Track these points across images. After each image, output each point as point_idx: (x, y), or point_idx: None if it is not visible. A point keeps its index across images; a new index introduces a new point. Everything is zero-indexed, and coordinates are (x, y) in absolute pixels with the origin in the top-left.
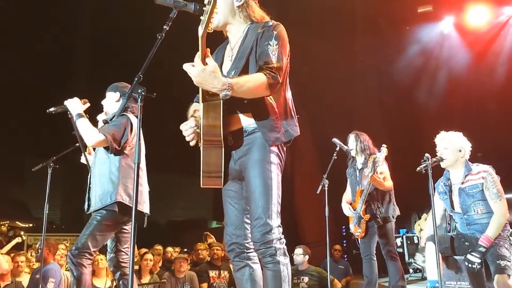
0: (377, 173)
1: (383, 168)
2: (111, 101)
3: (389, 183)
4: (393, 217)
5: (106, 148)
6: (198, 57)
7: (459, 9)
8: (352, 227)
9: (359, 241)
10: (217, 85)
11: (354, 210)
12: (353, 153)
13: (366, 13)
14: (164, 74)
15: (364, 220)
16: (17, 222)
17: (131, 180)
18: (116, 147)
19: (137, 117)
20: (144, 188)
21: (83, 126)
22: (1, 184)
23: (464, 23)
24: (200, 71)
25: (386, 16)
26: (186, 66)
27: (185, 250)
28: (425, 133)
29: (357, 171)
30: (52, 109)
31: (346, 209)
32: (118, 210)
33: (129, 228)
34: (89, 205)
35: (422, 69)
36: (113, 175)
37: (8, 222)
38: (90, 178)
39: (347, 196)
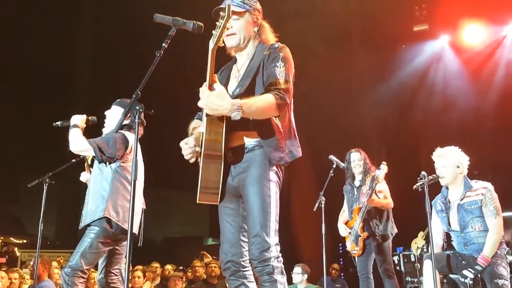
0: (375, 192)
1: (382, 187)
2: (116, 117)
3: (388, 201)
4: (391, 234)
5: (98, 162)
6: (205, 85)
7: (455, 28)
8: (349, 245)
9: (356, 259)
10: (226, 106)
11: (351, 228)
12: (356, 172)
13: (363, 31)
14: (163, 91)
15: (362, 238)
16: (11, 238)
17: (122, 196)
18: (101, 156)
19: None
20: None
21: (73, 134)
22: None
23: (460, 42)
24: (207, 96)
25: (382, 35)
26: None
27: (181, 268)
28: (422, 151)
29: (355, 188)
30: (58, 122)
31: (342, 230)
32: (109, 226)
33: (121, 249)
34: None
35: (419, 86)
36: (104, 191)
37: (2, 238)
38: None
39: (344, 215)
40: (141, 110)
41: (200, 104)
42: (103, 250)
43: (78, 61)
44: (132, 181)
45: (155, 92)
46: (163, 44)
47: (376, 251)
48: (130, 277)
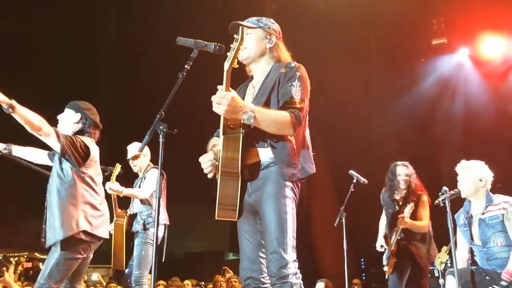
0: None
1: (422, 210)
2: (69, 121)
3: (422, 224)
4: (434, 257)
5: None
6: (221, 88)
7: (474, 41)
8: (384, 259)
9: (388, 276)
10: (240, 103)
11: (387, 245)
12: (401, 186)
13: (382, 45)
14: (182, 108)
15: (392, 261)
16: (35, 254)
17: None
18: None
19: (95, 143)
20: (103, 211)
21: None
22: (22, 216)
23: (479, 55)
24: (224, 94)
25: (401, 48)
26: (213, 98)
27: (202, 283)
28: (443, 165)
29: (397, 205)
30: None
31: (378, 245)
32: (74, 243)
33: (85, 262)
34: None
35: (438, 100)
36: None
37: (27, 253)
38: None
39: (382, 224)
40: (165, 130)
41: (214, 98)
42: (71, 267)
43: (102, 78)
44: (157, 198)
45: (174, 109)
46: (186, 66)
47: (419, 267)
48: None
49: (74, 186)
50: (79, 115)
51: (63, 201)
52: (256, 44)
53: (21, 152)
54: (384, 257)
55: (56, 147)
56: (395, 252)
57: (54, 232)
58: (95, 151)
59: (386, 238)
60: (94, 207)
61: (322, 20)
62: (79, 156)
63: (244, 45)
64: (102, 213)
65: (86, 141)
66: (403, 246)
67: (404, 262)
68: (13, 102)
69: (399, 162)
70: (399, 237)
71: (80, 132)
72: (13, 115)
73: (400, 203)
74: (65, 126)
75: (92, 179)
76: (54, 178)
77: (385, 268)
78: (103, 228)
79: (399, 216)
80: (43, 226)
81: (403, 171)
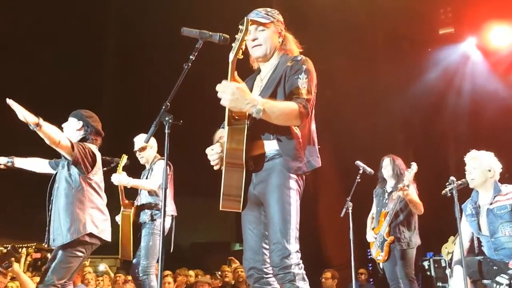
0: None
1: (411, 190)
2: (72, 128)
3: (419, 202)
4: (415, 244)
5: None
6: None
7: (481, 30)
8: (374, 251)
9: (382, 266)
10: (248, 97)
11: (377, 233)
12: (385, 176)
13: (388, 35)
14: (188, 99)
15: (388, 242)
16: (44, 244)
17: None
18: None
19: (98, 148)
20: (107, 215)
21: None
22: (29, 208)
23: (487, 44)
24: (228, 84)
25: (407, 38)
26: (217, 87)
27: (218, 272)
28: (450, 155)
29: (386, 193)
30: None
31: (370, 236)
32: (78, 243)
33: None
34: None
35: (446, 90)
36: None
37: (35, 244)
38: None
39: (370, 221)
40: (170, 121)
41: (218, 87)
42: (75, 264)
43: (107, 74)
44: (163, 189)
45: (179, 100)
46: (191, 57)
47: (400, 256)
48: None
49: (81, 191)
50: (81, 123)
51: (71, 205)
52: (271, 41)
53: (23, 163)
54: (375, 247)
55: (70, 157)
56: (389, 233)
57: (61, 234)
58: (99, 157)
59: (374, 230)
60: (101, 211)
61: (328, 10)
62: (88, 163)
63: (259, 42)
64: (107, 217)
65: (94, 148)
66: (390, 229)
67: (393, 248)
68: (40, 121)
69: (386, 156)
70: (392, 220)
71: (83, 139)
72: (38, 132)
73: (389, 191)
74: (69, 134)
75: (98, 185)
76: (62, 183)
77: (379, 257)
78: (107, 231)
79: (400, 187)
80: (47, 228)
81: (386, 163)
